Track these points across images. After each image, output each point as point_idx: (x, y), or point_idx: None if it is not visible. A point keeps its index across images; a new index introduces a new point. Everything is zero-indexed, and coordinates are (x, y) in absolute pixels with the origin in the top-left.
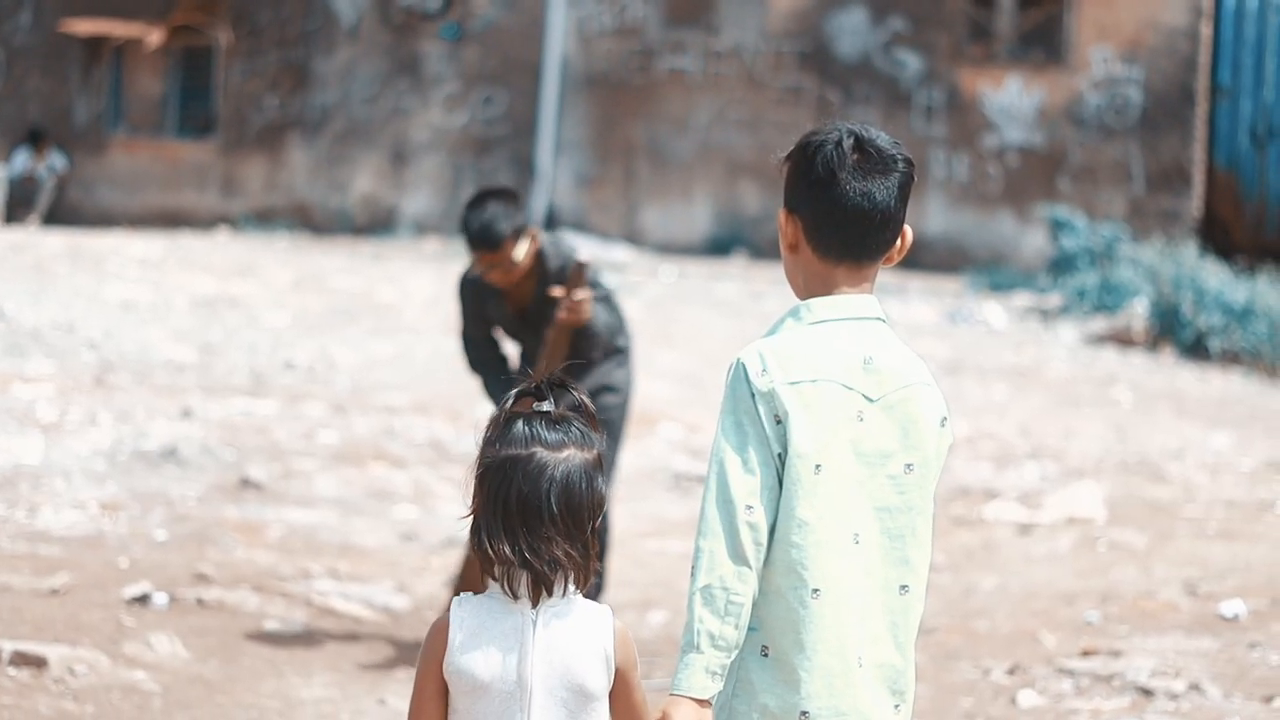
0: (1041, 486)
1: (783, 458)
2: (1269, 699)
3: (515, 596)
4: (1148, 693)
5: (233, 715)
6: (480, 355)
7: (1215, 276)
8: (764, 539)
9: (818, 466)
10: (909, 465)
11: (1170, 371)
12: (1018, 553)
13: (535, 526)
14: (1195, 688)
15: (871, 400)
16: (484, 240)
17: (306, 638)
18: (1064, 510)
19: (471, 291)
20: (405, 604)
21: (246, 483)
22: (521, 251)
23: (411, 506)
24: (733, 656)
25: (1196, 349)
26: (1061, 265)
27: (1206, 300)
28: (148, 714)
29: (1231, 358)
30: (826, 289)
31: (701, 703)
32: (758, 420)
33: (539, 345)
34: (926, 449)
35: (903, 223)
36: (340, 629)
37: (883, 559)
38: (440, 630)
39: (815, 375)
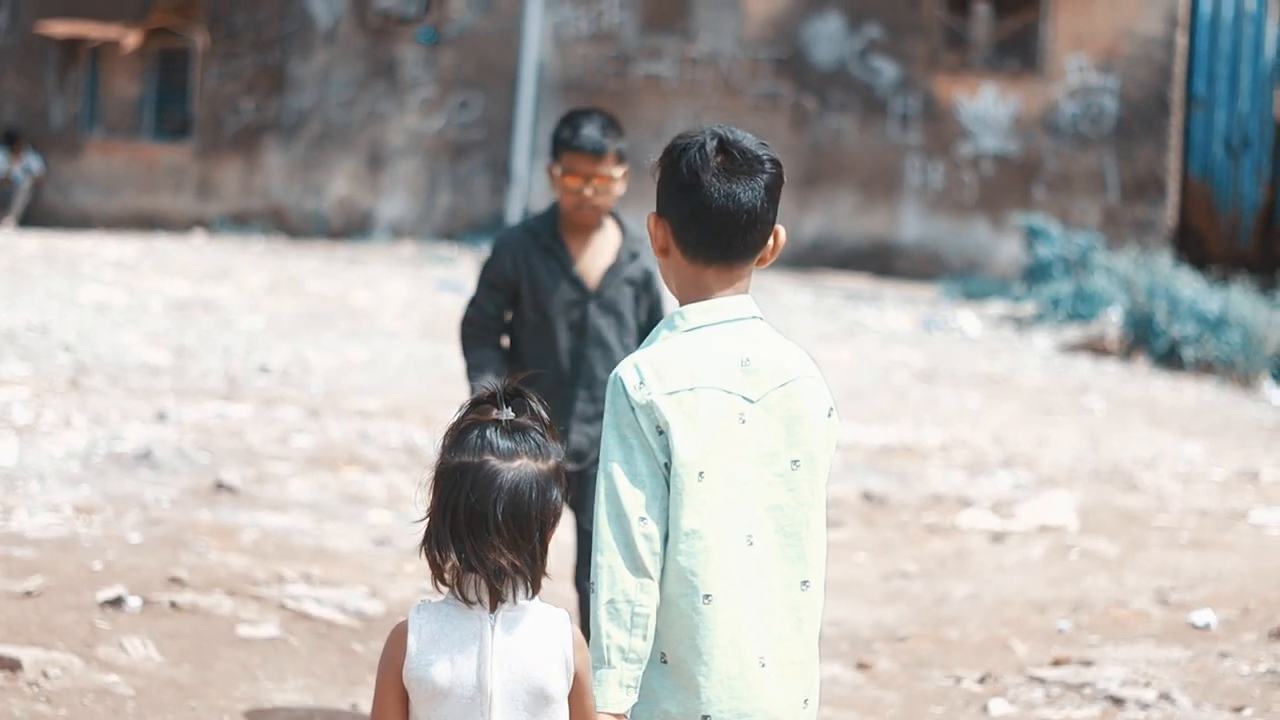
0: (1014, 495)
1: (669, 467)
2: (1239, 709)
3: (468, 602)
4: (1118, 702)
5: (206, 719)
6: (482, 336)
7: (1189, 286)
8: (660, 548)
9: (701, 474)
10: (796, 461)
11: (1144, 380)
12: (990, 561)
13: (481, 534)
14: (1166, 697)
15: (752, 401)
16: (590, 143)
17: (280, 642)
18: (1036, 519)
19: (515, 250)
20: (379, 609)
21: (220, 486)
22: (619, 176)
23: (385, 511)
24: (644, 667)
25: (1170, 358)
26: (1036, 274)
27: (1180, 309)
28: (121, 717)
29: (1205, 367)
30: (699, 292)
31: (618, 717)
32: (640, 433)
33: (582, 345)
34: (813, 443)
35: (772, 223)
36: (314, 633)
37: (780, 557)
38: (399, 637)
39: (693, 383)
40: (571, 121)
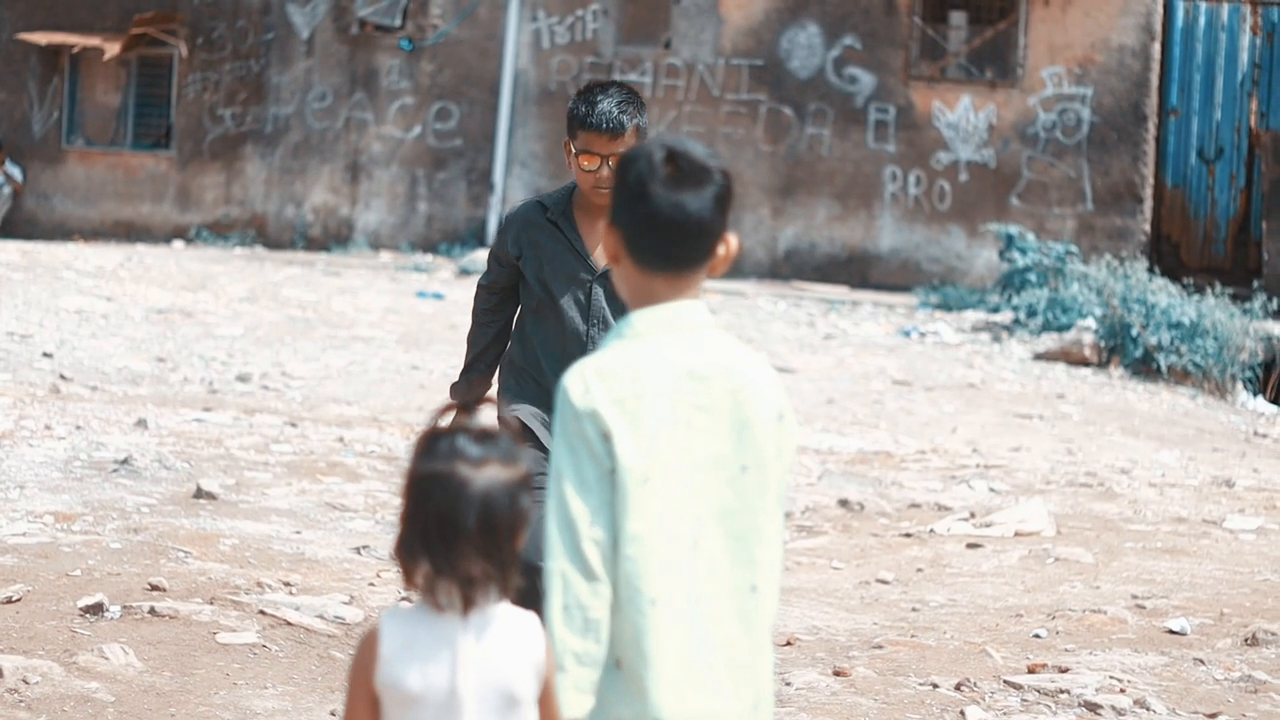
0: (990, 502)
1: (615, 473)
2: (1214, 715)
3: (440, 607)
4: (1094, 708)
5: None
6: (485, 312)
7: (1164, 294)
8: (609, 553)
9: (646, 479)
10: (745, 467)
11: (1119, 388)
12: (966, 568)
13: (451, 542)
14: (1141, 704)
15: (699, 408)
16: (606, 120)
17: (260, 649)
18: (1013, 526)
19: (520, 224)
20: (358, 616)
21: (200, 494)
22: None
23: (364, 519)
24: (599, 671)
25: (1145, 366)
26: (1012, 282)
27: (1155, 318)
28: None
29: (1180, 375)
30: (648, 299)
31: None
32: (586, 439)
33: (588, 326)
34: (763, 449)
35: (721, 233)
36: (293, 640)
37: (729, 562)
38: (370, 643)
39: (638, 389)
40: (588, 96)
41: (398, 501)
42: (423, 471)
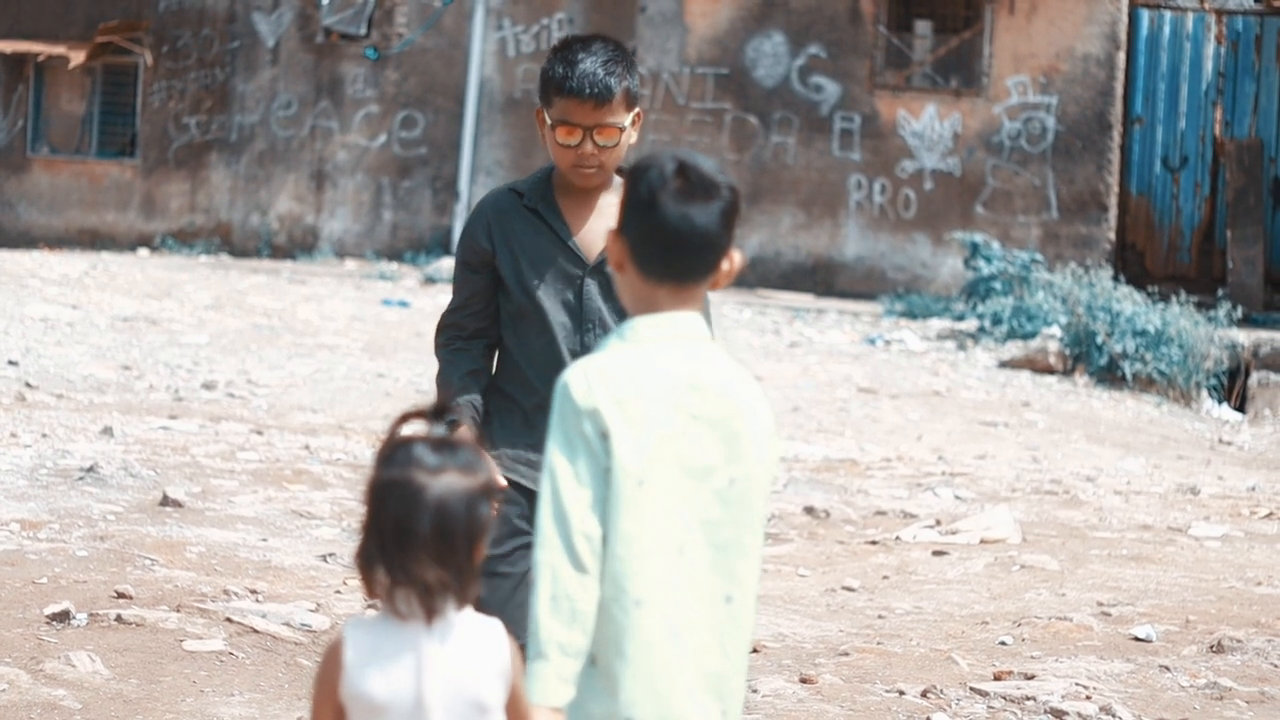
0: (956, 509)
1: (610, 472)
2: None
3: (402, 616)
4: (1060, 715)
5: None
6: (453, 346)
7: (1129, 302)
8: (599, 548)
9: (641, 481)
10: (732, 480)
11: (1084, 396)
12: (932, 575)
13: (406, 548)
14: (1107, 710)
15: (695, 417)
16: (590, 84)
17: (226, 656)
18: (978, 533)
19: (491, 216)
20: (324, 623)
21: (167, 502)
22: (628, 124)
23: (331, 526)
24: (581, 663)
25: (1110, 374)
26: (977, 290)
27: (1120, 326)
28: None
29: (1145, 383)
30: (650, 308)
31: (555, 711)
32: (585, 436)
33: (580, 332)
34: (750, 464)
35: (726, 247)
36: (260, 648)
37: (708, 570)
38: (334, 653)
39: (637, 393)
40: (565, 54)
41: (362, 510)
42: (380, 479)
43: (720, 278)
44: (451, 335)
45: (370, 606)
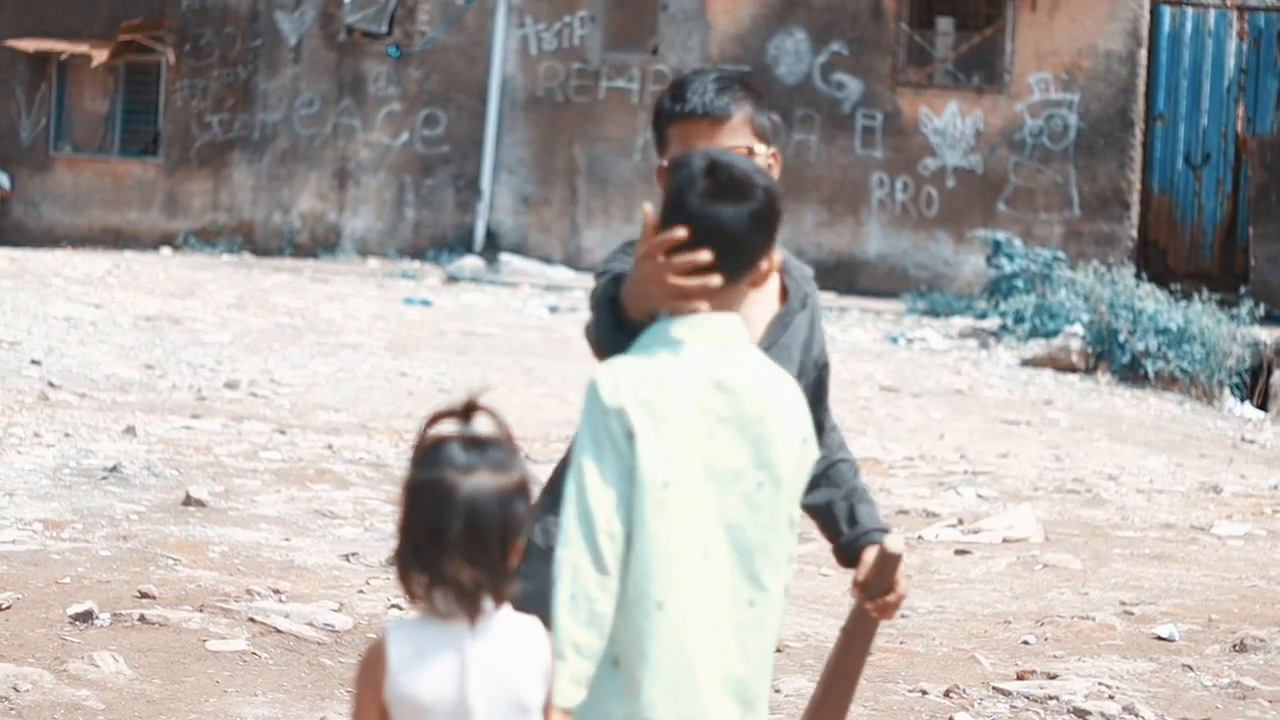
0: (979, 508)
1: (635, 472)
2: None
3: (443, 616)
4: (1083, 714)
5: None
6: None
7: (1151, 300)
8: (622, 549)
9: (666, 483)
10: (760, 484)
11: (1106, 394)
12: (955, 574)
13: (440, 549)
14: (1130, 710)
15: (724, 419)
16: (703, 100)
17: (249, 656)
18: (1001, 532)
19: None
20: (347, 623)
21: (189, 501)
22: (763, 153)
23: (353, 526)
24: (595, 664)
25: (1133, 372)
26: (999, 288)
27: (1142, 324)
28: None
29: (1167, 381)
30: (685, 307)
31: (565, 712)
32: (612, 435)
33: None
34: (780, 468)
35: (762, 248)
36: (283, 648)
37: (731, 574)
38: (377, 656)
39: (667, 393)
40: (675, 88)
41: (387, 509)
42: (413, 480)
43: (759, 277)
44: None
45: (395, 606)
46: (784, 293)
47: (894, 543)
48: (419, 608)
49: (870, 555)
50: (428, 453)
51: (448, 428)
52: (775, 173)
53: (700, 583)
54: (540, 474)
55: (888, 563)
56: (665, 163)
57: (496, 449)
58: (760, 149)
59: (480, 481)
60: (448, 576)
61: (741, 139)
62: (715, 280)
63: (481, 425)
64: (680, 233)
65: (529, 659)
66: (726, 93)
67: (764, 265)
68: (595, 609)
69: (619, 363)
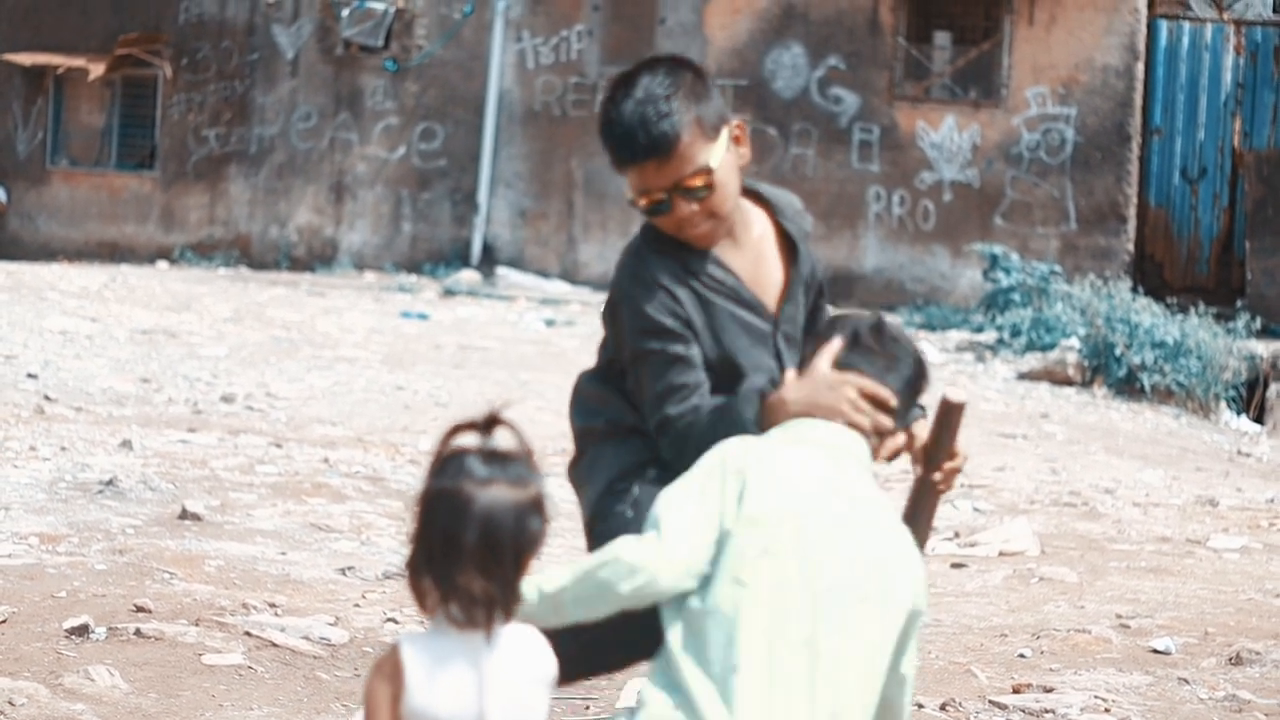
0: (975, 522)
1: (729, 535)
2: None
3: (458, 627)
4: None
5: None
6: (691, 393)
7: (1148, 314)
8: (651, 588)
9: (765, 551)
10: (864, 598)
11: (1103, 408)
12: (951, 587)
13: (454, 560)
14: None
15: (840, 521)
16: (636, 146)
17: (245, 670)
18: (997, 545)
19: (657, 274)
20: (343, 637)
21: (186, 515)
22: (719, 155)
23: (350, 539)
24: (531, 608)
25: (1129, 386)
26: (996, 302)
27: (1139, 337)
28: None
29: (1164, 394)
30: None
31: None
32: (723, 487)
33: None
34: (890, 595)
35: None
36: (279, 661)
37: (807, 663)
38: (393, 670)
39: (791, 481)
40: (608, 111)
41: (384, 523)
42: (430, 490)
43: (889, 450)
44: (692, 381)
45: (390, 620)
46: (781, 235)
47: (956, 392)
48: (430, 619)
49: (924, 422)
50: (447, 463)
51: (468, 440)
52: (745, 143)
53: (775, 657)
54: None
55: (950, 414)
56: (636, 201)
57: (517, 464)
58: (712, 152)
59: (498, 494)
60: (459, 587)
61: (696, 154)
62: (887, 421)
63: (502, 439)
64: (891, 400)
65: (536, 669)
66: (664, 119)
67: (901, 438)
68: (588, 604)
69: (752, 439)
